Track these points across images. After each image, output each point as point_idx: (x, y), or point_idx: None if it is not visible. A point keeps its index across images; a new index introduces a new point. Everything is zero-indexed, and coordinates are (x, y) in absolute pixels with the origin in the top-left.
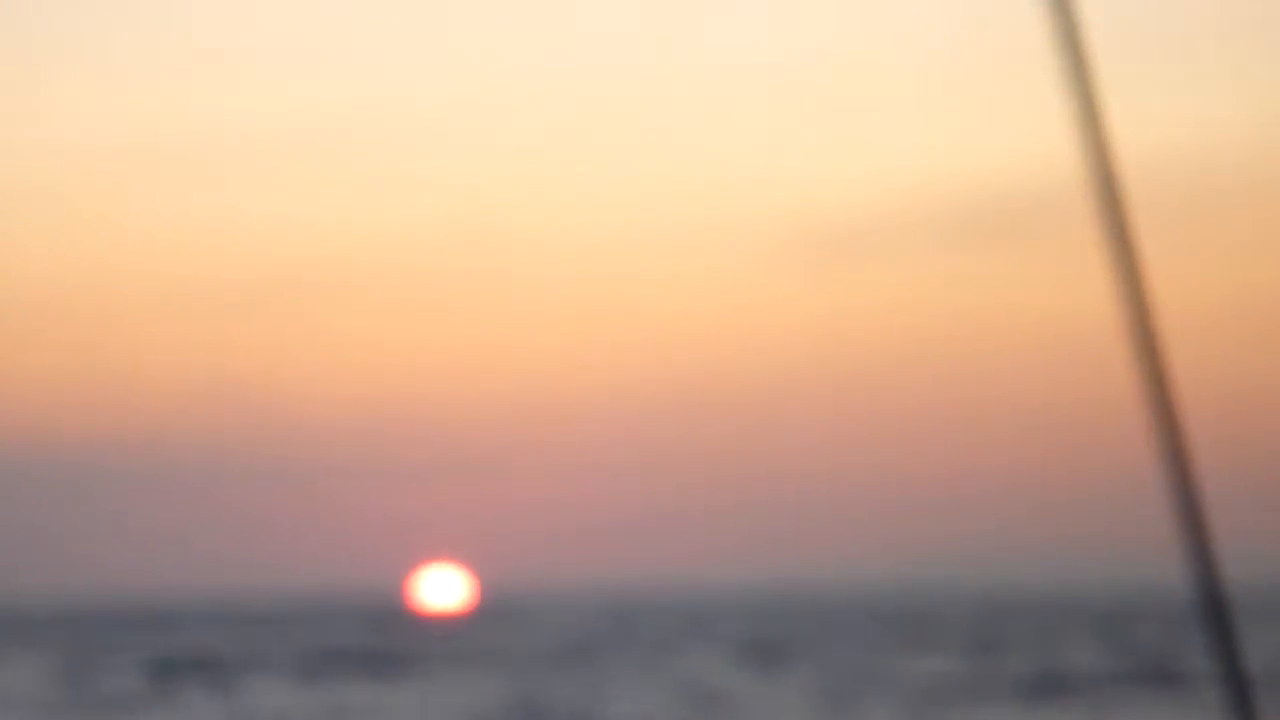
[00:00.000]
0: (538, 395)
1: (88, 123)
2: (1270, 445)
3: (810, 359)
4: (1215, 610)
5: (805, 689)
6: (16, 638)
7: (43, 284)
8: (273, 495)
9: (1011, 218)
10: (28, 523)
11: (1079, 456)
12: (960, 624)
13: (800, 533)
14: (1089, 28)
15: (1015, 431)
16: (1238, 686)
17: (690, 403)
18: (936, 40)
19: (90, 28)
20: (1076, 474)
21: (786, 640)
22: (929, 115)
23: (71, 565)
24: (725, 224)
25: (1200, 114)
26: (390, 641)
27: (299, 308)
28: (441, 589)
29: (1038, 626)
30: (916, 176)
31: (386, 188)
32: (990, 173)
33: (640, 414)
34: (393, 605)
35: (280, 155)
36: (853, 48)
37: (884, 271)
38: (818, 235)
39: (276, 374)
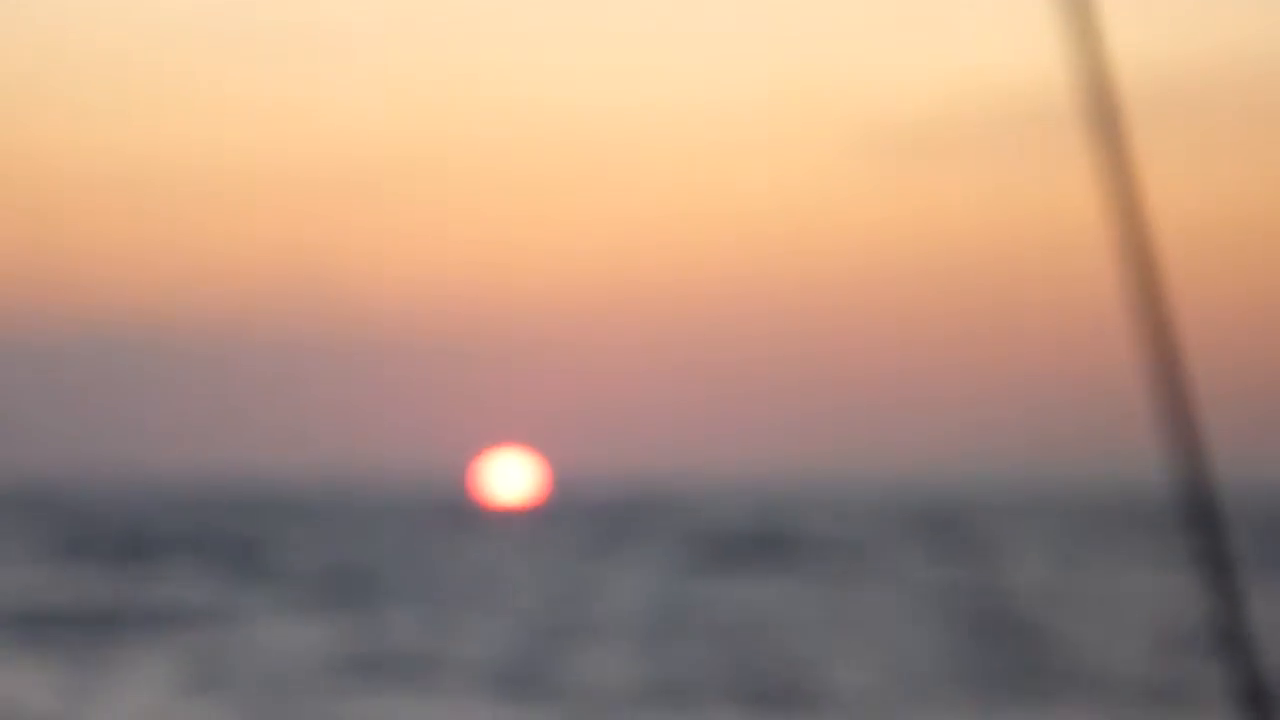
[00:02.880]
0: (611, 288)
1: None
2: (1261, 358)
3: (878, 258)
4: (1202, 511)
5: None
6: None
7: (129, 159)
8: (346, 376)
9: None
10: (109, 401)
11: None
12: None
13: (857, 427)
14: None
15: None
16: (1226, 583)
17: (758, 298)
18: None
19: None
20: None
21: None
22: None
23: (146, 445)
24: (795, 124)
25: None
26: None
27: (387, 190)
28: (509, 477)
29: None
30: (977, 79)
31: (471, 75)
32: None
33: (710, 309)
34: (456, 495)
35: (369, 40)
36: None
37: (952, 171)
38: (888, 134)
39: (358, 255)
